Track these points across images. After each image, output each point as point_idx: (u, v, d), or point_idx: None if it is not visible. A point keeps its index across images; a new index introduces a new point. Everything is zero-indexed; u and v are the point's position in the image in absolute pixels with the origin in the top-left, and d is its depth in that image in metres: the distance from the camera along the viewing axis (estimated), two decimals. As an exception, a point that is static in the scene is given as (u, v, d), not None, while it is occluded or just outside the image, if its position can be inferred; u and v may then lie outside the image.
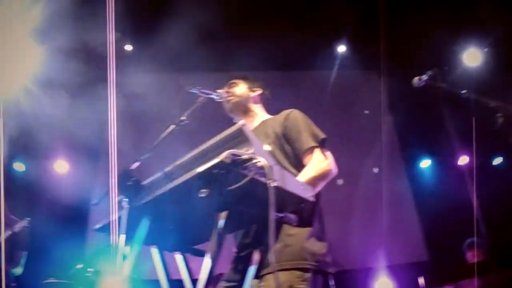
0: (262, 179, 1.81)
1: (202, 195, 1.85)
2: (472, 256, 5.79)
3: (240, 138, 1.95)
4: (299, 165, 2.73)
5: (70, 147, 7.48)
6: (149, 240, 2.48)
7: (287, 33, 6.96)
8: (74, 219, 7.19)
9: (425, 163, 8.15)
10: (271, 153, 2.71)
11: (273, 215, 1.76)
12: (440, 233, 7.24)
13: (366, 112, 7.92)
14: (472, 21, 6.29)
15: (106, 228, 2.38)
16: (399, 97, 7.20)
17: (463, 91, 3.28)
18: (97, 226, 2.42)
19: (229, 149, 1.84)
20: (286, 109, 2.96)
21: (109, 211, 2.33)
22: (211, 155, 1.98)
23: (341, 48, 7.66)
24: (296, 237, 2.58)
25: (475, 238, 5.60)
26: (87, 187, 7.23)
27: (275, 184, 1.86)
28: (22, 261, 5.43)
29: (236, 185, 1.78)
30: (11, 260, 5.36)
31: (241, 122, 1.94)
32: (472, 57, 6.78)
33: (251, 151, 1.85)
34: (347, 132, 7.76)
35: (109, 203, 2.28)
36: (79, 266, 5.60)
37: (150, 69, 6.44)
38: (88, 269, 5.25)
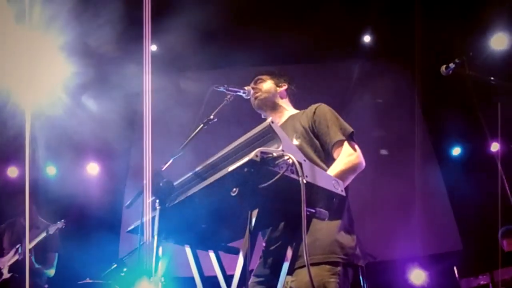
0: (293, 176, 1.80)
1: (234, 194, 1.85)
2: (508, 244, 5.71)
3: (269, 135, 1.95)
4: (328, 159, 2.74)
5: (101, 150, 7.58)
6: (183, 239, 2.53)
7: (310, 24, 6.92)
8: (108, 220, 7.29)
9: (456, 151, 8.03)
10: (300, 147, 2.72)
11: (304, 212, 1.75)
12: (473, 221, 7.13)
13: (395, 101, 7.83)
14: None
15: (138, 230, 2.41)
16: (428, 85, 7.12)
17: (491, 78, 3.24)
18: (130, 227, 2.45)
19: (258, 147, 1.85)
20: (313, 102, 2.96)
21: (141, 213, 2.35)
22: (241, 153, 1.99)
23: (367, 38, 7.59)
24: (326, 230, 2.58)
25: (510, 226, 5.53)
26: (119, 188, 7.33)
27: (306, 180, 1.86)
28: (55, 262, 5.52)
29: (267, 183, 1.78)
30: (44, 262, 5.46)
31: (269, 119, 1.94)
32: (499, 42, 6.67)
33: (280, 148, 1.85)
34: (377, 122, 7.70)
35: (142, 204, 2.30)
36: (114, 266, 5.69)
37: (176, 68, 6.48)
38: (123, 269, 5.31)
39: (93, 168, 7.96)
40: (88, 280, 6.01)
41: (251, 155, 1.75)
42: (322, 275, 2.51)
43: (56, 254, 5.56)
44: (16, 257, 5.27)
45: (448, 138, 7.96)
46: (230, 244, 2.55)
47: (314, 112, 2.87)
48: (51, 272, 5.50)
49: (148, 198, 2.27)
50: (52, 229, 5.36)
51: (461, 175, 7.54)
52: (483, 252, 6.41)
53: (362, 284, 5.19)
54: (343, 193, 2.07)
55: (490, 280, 5.45)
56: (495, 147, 7.48)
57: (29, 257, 5.26)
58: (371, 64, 7.78)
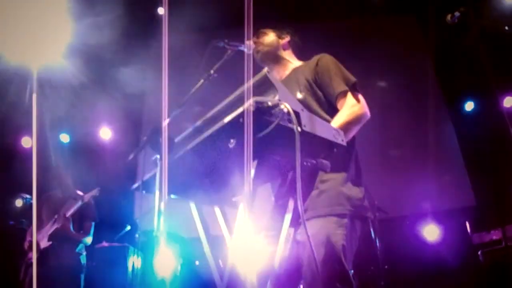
0: (290, 125, 1.78)
1: (231, 145, 1.84)
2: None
3: (266, 85, 1.92)
4: (332, 111, 2.70)
5: (113, 115, 7.60)
6: (187, 195, 2.52)
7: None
8: (122, 182, 7.35)
9: (469, 106, 7.92)
10: (304, 100, 2.70)
11: (299, 160, 1.72)
12: (486, 177, 7.08)
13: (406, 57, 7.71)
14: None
15: (145, 187, 2.42)
16: (440, 39, 6.98)
17: (506, 27, 3.17)
18: (135, 185, 2.46)
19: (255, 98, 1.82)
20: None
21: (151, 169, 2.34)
22: (238, 105, 1.96)
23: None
24: (331, 182, 2.55)
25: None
26: (133, 151, 7.35)
27: (304, 129, 1.84)
28: (91, 230, 5.63)
29: (263, 133, 1.76)
30: (81, 230, 5.58)
31: (265, 69, 1.91)
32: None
33: (276, 97, 1.82)
34: (388, 78, 7.61)
35: (142, 160, 2.29)
36: (128, 228, 5.76)
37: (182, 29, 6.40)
38: (137, 231, 5.37)
39: (106, 133, 7.99)
40: (104, 244, 6.12)
41: (245, 105, 1.73)
42: (328, 227, 2.48)
43: (93, 223, 5.65)
44: (55, 226, 5.38)
45: (461, 92, 7.84)
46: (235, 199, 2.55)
47: (317, 64, 2.82)
48: (89, 240, 5.61)
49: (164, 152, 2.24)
50: (87, 197, 5.44)
51: (474, 130, 7.46)
52: (496, 208, 6.39)
53: (373, 237, 5.21)
54: (344, 143, 2.04)
55: (502, 235, 5.44)
56: (508, 101, 7.40)
57: (68, 226, 5.40)
58: (382, 20, 7.64)
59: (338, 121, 2.55)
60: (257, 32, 3.13)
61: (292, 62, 3.09)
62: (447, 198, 7.08)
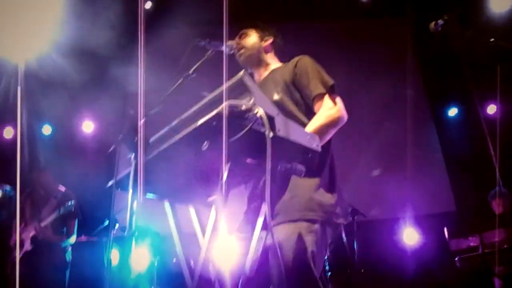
0: (262, 130, 1.78)
1: (204, 148, 1.83)
2: (496, 206, 5.72)
3: (242, 88, 1.92)
4: (310, 113, 2.68)
5: (95, 108, 7.55)
6: (161, 194, 2.52)
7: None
8: (102, 177, 7.29)
9: (453, 112, 7.98)
10: (280, 101, 2.68)
11: (269, 166, 1.72)
12: (467, 183, 7.14)
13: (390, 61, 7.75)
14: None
15: (120, 185, 2.41)
16: (425, 44, 7.03)
17: (491, 40, 3.18)
18: (109, 183, 2.45)
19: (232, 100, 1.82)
20: None
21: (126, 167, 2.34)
22: (214, 107, 1.96)
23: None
24: (304, 187, 2.53)
25: (497, 188, 5.54)
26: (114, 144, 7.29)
27: (277, 134, 1.84)
28: (75, 229, 5.61)
29: (235, 137, 1.76)
30: (63, 232, 5.58)
31: (241, 72, 1.90)
32: (499, 3, 6.55)
33: (252, 101, 1.82)
34: (371, 82, 7.62)
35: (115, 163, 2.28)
36: (106, 223, 5.74)
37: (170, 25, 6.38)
38: (115, 226, 5.35)
39: (88, 126, 7.94)
40: (82, 238, 6.09)
41: (219, 108, 1.73)
42: (298, 232, 2.46)
43: (76, 221, 5.63)
44: (33, 232, 5.39)
45: (445, 98, 7.90)
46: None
47: (296, 65, 2.80)
48: (72, 239, 5.63)
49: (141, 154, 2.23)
50: (62, 210, 5.43)
51: (456, 136, 7.53)
52: (475, 214, 6.45)
53: (345, 241, 5.24)
54: (318, 148, 2.04)
55: (479, 242, 5.47)
56: (492, 109, 7.47)
57: (47, 233, 5.44)
58: (366, 24, 7.66)
59: (314, 124, 2.53)
60: (240, 33, 3.10)
61: (272, 64, 3.06)
62: (428, 202, 7.12)
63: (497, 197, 5.65)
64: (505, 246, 5.29)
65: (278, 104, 2.58)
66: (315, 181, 2.56)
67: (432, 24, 3.14)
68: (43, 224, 5.40)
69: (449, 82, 7.49)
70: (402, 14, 7.38)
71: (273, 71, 2.98)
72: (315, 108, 2.66)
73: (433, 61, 7.54)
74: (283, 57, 3.14)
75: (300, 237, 2.44)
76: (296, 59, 2.85)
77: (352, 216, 5.47)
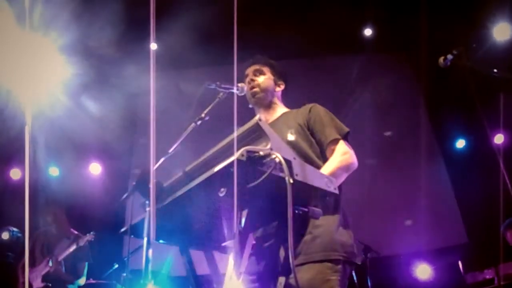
0: (282, 175, 1.75)
1: (222, 194, 1.80)
2: (511, 237, 5.64)
3: (257, 133, 1.90)
4: (324, 157, 2.71)
5: (103, 150, 7.55)
6: (176, 240, 2.48)
7: (308, 18, 6.82)
8: (111, 219, 7.24)
9: (460, 143, 7.92)
10: (295, 143, 2.70)
11: (291, 212, 1.69)
12: (479, 214, 7.05)
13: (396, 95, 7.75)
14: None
15: (133, 231, 2.37)
16: (431, 78, 7.03)
17: (495, 70, 3.17)
18: (123, 229, 2.41)
19: (247, 145, 1.80)
20: (312, 98, 2.94)
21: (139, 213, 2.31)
22: (230, 152, 1.93)
23: (367, 31, 7.48)
24: (325, 227, 2.55)
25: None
26: (122, 187, 7.28)
27: (296, 178, 1.82)
28: (85, 271, 5.58)
29: (255, 183, 1.73)
30: (74, 272, 5.53)
31: (257, 117, 1.89)
32: (501, 32, 6.59)
33: (269, 146, 1.80)
34: (379, 115, 7.61)
35: (131, 206, 2.25)
36: (116, 266, 5.69)
37: (175, 67, 6.43)
38: (125, 270, 5.31)
39: (95, 168, 7.91)
40: (91, 281, 6.02)
41: (237, 154, 1.70)
42: (324, 272, 2.48)
43: (86, 263, 5.61)
44: (47, 268, 5.34)
45: (452, 130, 7.86)
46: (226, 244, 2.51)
47: (310, 111, 2.84)
48: (82, 281, 5.61)
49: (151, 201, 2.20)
50: (81, 242, 5.40)
51: (465, 167, 7.46)
52: (488, 246, 6.34)
53: (355, 280, 5.20)
54: (336, 191, 2.03)
55: (495, 274, 5.39)
56: (499, 139, 7.42)
57: (59, 269, 5.41)
58: (371, 59, 7.68)
59: (330, 166, 2.56)
60: (254, 68, 3.07)
61: (280, 108, 3.07)
62: (440, 236, 7.03)
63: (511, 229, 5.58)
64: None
65: (293, 145, 2.61)
66: (333, 220, 2.59)
67: (441, 59, 3.13)
68: (60, 257, 5.36)
69: (454, 114, 7.47)
70: (405, 49, 7.41)
71: (285, 114, 2.99)
72: (328, 152, 2.70)
73: (437, 94, 7.52)
74: (293, 91, 3.15)
75: (326, 278, 2.46)
76: (309, 106, 2.89)
77: (365, 254, 5.42)
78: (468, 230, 7.30)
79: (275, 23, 6.56)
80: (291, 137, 2.73)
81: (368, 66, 7.66)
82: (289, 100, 3.15)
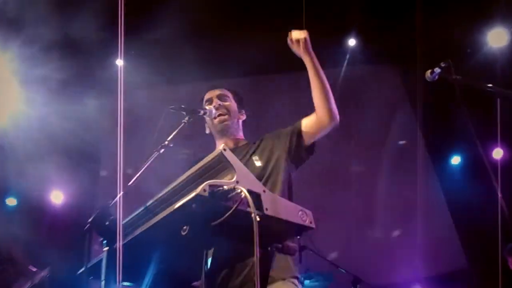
0: (248, 209, 1.72)
1: (184, 232, 1.77)
2: (513, 262, 5.68)
3: (222, 164, 1.88)
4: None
5: (64, 176, 7.45)
6: (140, 281, 2.43)
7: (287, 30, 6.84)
8: (76, 250, 7.15)
9: (455, 160, 7.94)
10: (264, 167, 2.75)
11: (257, 251, 1.66)
12: (479, 237, 7.07)
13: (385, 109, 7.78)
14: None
15: (92, 272, 2.33)
16: (420, 91, 7.08)
17: (489, 85, 3.19)
18: (80, 270, 2.37)
19: (211, 178, 1.78)
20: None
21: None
22: (194, 185, 1.91)
23: (351, 42, 7.50)
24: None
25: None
26: (86, 216, 7.19)
27: (266, 213, 1.80)
28: None
29: (219, 220, 1.70)
30: None
31: (221, 146, 1.87)
32: (497, 38, 6.67)
33: (234, 178, 1.78)
34: (372, 132, 7.63)
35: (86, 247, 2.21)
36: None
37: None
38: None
39: (57, 197, 7.81)
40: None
41: (198, 189, 1.68)
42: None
43: None
44: None
45: (446, 148, 7.89)
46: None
47: (263, 138, 2.94)
48: None
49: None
50: (36, 279, 5.32)
51: (462, 186, 7.48)
52: (490, 270, 6.36)
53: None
54: (313, 225, 1.99)
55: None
56: (497, 153, 7.46)
57: None
58: (364, 71, 7.70)
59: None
60: (219, 93, 3.08)
61: (242, 138, 3.10)
62: (438, 262, 7.05)
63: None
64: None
65: (263, 170, 2.68)
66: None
67: (428, 73, 3.14)
68: None
69: (448, 130, 7.50)
70: (392, 61, 7.45)
71: (246, 145, 3.00)
72: (305, 130, 2.84)
73: (430, 109, 7.56)
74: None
75: None
76: (262, 137, 2.97)
77: (354, 286, 5.40)
78: (467, 255, 7.32)
79: (246, 35, 6.56)
80: (258, 163, 2.76)
81: (360, 79, 7.66)
82: (275, 117, 3.21)
